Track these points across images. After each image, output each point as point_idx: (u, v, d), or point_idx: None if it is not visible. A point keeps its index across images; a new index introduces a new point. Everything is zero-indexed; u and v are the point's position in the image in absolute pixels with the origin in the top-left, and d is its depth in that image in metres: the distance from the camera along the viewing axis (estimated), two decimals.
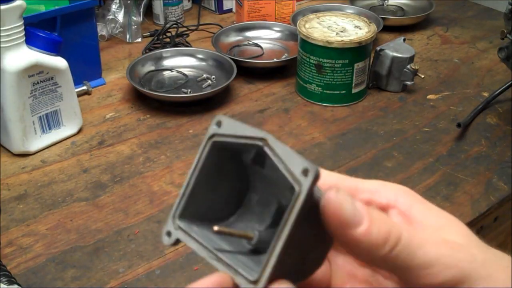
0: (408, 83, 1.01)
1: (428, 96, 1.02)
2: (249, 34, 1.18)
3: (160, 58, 1.06)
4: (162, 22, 1.25)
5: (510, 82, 0.97)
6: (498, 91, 0.98)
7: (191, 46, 1.16)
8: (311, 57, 0.96)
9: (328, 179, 0.34)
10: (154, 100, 0.98)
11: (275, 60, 1.08)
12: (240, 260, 0.31)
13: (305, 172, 0.28)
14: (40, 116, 0.85)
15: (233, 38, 1.17)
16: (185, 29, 1.23)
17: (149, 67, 1.05)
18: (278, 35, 1.17)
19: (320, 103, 0.99)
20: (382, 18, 1.19)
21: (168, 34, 1.20)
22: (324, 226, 0.30)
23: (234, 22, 1.26)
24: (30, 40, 0.81)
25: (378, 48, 1.00)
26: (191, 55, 1.08)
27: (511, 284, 0.31)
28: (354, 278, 0.36)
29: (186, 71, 1.05)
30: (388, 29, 1.22)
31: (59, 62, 0.83)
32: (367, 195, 0.34)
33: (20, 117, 0.82)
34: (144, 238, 0.71)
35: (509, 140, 0.90)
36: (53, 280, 0.65)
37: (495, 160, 0.86)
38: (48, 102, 0.85)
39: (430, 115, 0.97)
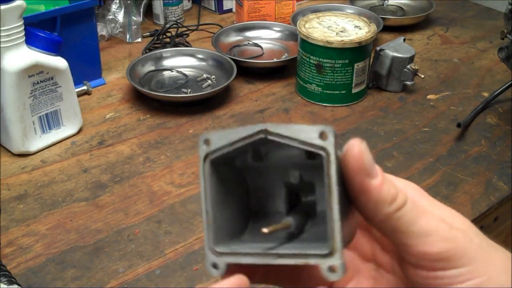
0: (408, 83, 1.01)
1: (428, 96, 1.02)
2: (249, 34, 1.18)
3: (160, 58, 1.06)
4: (162, 22, 1.25)
5: (510, 82, 0.97)
6: (498, 91, 0.98)
7: (191, 46, 1.16)
8: (311, 57, 0.96)
9: None
10: (154, 100, 0.98)
11: (275, 60, 1.08)
12: (294, 248, 0.31)
13: (322, 135, 0.29)
14: (40, 116, 0.85)
15: (233, 38, 1.17)
16: (185, 29, 1.23)
17: (149, 67, 1.05)
18: (278, 35, 1.17)
19: (320, 103, 0.99)
20: (382, 18, 1.19)
21: (168, 34, 1.20)
22: (347, 187, 0.31)
23: (234, 22, 1.26)
24: (30, 40, 0.81)
25: (378, 48, 1.00)
26: (191, 55, 1.08)
27: (510, 275, 0.32)
28: (359, 273, 0.36)
29: (186, 71, 1.05)
30: (388, 29, 1.22)
31: (59, 62, 0.83)
32: None
33: (20, 117, 0.82)
34: (144, 238, 0.71)
35: (509, 140, 0.90)
36: (53, 280, 0.65)
37: (495, 160, 0.86)
38: (48, 102, 0.85)
39: (430, 115, 0.97)
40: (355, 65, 0.95)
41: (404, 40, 1.04)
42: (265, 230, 0.30)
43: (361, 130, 0.93)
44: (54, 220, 0.73)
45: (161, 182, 0.80)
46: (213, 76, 1.03)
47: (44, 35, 0.82)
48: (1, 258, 0.66)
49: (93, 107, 0.97)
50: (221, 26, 1.22)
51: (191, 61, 1.07)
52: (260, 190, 0.35)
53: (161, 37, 1.18)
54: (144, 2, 1.24)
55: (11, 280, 0.61)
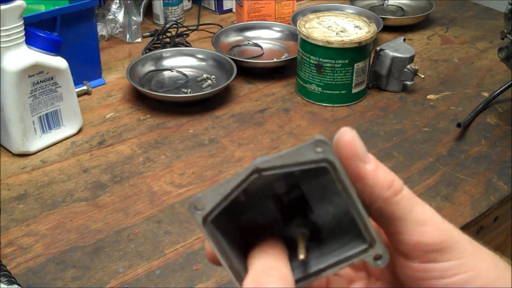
0: (408, 83, 1.01)
1: (428, 96, 1.02)
2: (249, 34, 1.18)
3: (160, 58, 1.06)
4: (162, 22, 1.25)
5: (510, 82, 0.97)
6: (498, 91, 0.98)
7: (191, 46, 1.16)
8: (311, 57, 0.96)
9: None
10: (154, 100, 0.98)
11: (275, 60, 1.08)
12: (323, 256, 0.32)
13: (318, 145, 0.29)
14: (40, 116, 0.85)
15: (233, 38, 1.17)
16: (185, 29, 1.23)
17: (149, 67, 1.05)
18: (278, 35, 1.17)
19: (320, 103, 0.99)
20: (382, 18, 1.19)
21: (168, 34, 1.20)
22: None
23: (234, 22, 1.26)
24: (30, 40, 0.81)
25: (378, 48, 1.00)
26: (191, 55, 1.08)
27: (499, 272, 0.32)
28: (352, 283, 0.37)
29: (186, 71, 1.05)
30: (388, 29, 1.22)
31: (59, 62, 0.83)
32: None
33: (20, 117, 0.82)
34: (144, 238, 0.71)
35: (509, 140, 0.90)
36: (53, 280, 0.65)
37: (495, 160, 0.86)
38: (48, 102, 0.85)
39: (430, 115, 0.97)
40: (355, 65, 0.95)
41: (404, 40, 1.04)
42: (302, 256, 0.31)
43: (361, 130, 0.93)
44: (54, 220, 0.73)
45: (161, 182, 0.80)
46: (213, 76, 1.03)
47: (44, 35, 0.82)
48: (1, 258, 0.66)
49: (93, 107, 0.97)
50: (221, 26, 1.22)
51: (191, 61, 1.07)
52: (250, 213, 0.34)
53: (161, 37, 1.18)
54: (144, 2, 1.24)
55: (11, 280, 0.61)
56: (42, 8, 0.90)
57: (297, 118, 0.95)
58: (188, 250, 0.69)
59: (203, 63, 1.07)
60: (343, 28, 0.98)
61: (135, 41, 1.19)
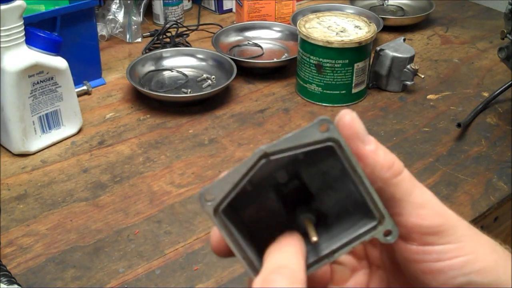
0: (408, 83, 1.01)
1: (428, 96, 1.02)
2: (249, 34, 1.18)
3: (160, 58, 1.06)
4: (162, 22, 1.25)
5: (510, 82, 0.97)
6: (498, 91, 0.98)
7: (191, 46, 1.16)
8: (311, 57, 0.96)
9: None
10: (154, 100, 0.98)
11: (275, 60, 1.08)
12: (340, 234, 0.32)
13: (323, 127, 0.30)
14: (40, 116, 0.85)
15: (233, 38, 1.17)
16: (185, 29, 1.23)
17: (149, 67, 1.05)
18: (278, 35, 1.17)
19: (320, 103, 0.99)
20: (382, 18, 1.19)
21: (168, 34, 1.20)
22: None
23: (234, 22, 1.26)
24: (30, 40, 0.81)
25: (378, 48, 1.00)
26: (191, 55, 1.08)
27: (496, 256, 0.32)
28: (355, 271, 0.37)
29: (186, 71, 1.05)
30: (388, 29, 1.22)
31: (59, 62, 0.83)
32: None
33: (20, 117, 0.82)
34: (144, 238, 0.71)
35: (509, 140, 0.90)
36: (53, 280, 0.65)
37: (495, 160, 0.86)
38: (48, 102, 0.85)
39: (430, 115, 0.97)
40: (355, 65, 0.95)
41: (404, 40, 1.04)
42: (314, 239, 0.31)
43: None
44: (54, 220, 0.73)
45: (161, 182, 0.80)
46: (213, 76, 1.03)
47: (44, 35, 0.82)
48: (1, 258, 0.66)
49: (93, 107, 0.97)
50: (221, 26, 1.22)
51: (191, 61, 1.07)
52: (255, 206, 0.35)
53: (161, 37, 1.18)
54: (144, 2, 1.24)
55: (11, 280, 0.61)
56: (42, 8, 0.90)
57: (297, 118, 0.95)
58: (188, 250, 0.69)
59: (203, 63, 1.07)
60: (343, 28, 0.98)
61: (135, 41, 1.19)
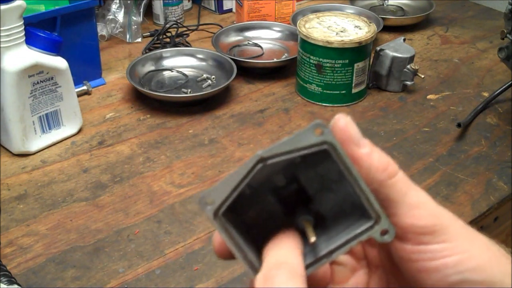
0: (408, 83, 1.01)
1: (428, 96, 1.02)
2: (249, 34, 1.18)
3: (160, 58, 1.06)
4: (162, 22, 1.25)
5: (510, 82, 0.97)
6: (498, 91, 0.98)
7: (191, 46, 1.16)
8: (311, 57, 0.96)
9: None
10: (154, 100, 0.98)
11: (275, 60, 1.08)
12: (338, 235, 0.33)
13: (318, 130, 0.30)
14: (40, 116, 0.85)
15: (233, 38, 1.17)
16: (185, 29, 1.23)
17: (149, 67, 1.05)
18: (278, 35, 1.17)
19: (320, 103, 0.99)
20: (382, 18, 1.19)
21: (168, 34, 1.20)
22: None
23: (234, 22, 1.26)
24: (30, 40, 0.81)
25: (378, 48, 1.00)
26: (191, 55, 1.08)
27: (490, 255, 0.33)
28: (354, 271, 0.38)
29: (186, 71, 1.05)
30: (388, 29, 1.22)
31: (59, 62, 0.83)
32: None
33: (20, 117, 0.82)
34: (144, 238, 0.71)
35: (509, 140, 0.90)
36: (53, 280, 0.65)
37: (495, 160, 0.86)
38: (48, 102, 0.85)
39: (430, 115, 0.97)
40: (355, 65, 0.95)
41: (404, 40, 1.04)
42: (312, 239, 0.31)
43: (361, 130, 0.91)
44: (54, 220, 0.73)
45: (161, 182, 0.80)
46: (213, 76, 1.03)
47: (44, 35, 0.82)
48: (1, 258, 0.66)
49: (93, 107, 0.97)
50: (221, 26, 1.22)
51: (191, 61, 1.07)
52: (254, 209, 0.35)
53: (161, 37, 1.18)
54: (144, 2, 1.24)
55: (11, 280, 0.61)
56: (42, 8, 0.90)
57: (297, 118, 0.95)
58: (188, 250, 0.69)
59: (203, 63, 1.07)
60: (343, 28, 0.98)
61: (135, 41, 1.19)
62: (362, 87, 1.00)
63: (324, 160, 0.32)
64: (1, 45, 0.78)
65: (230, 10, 1.34)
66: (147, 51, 1.13)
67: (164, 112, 0.96)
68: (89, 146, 0.88)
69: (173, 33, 1.20)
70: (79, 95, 0.96)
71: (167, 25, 1.20)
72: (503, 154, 0.87)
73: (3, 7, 0.76)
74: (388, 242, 0.32)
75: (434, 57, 1.16)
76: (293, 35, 1.14)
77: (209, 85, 1.02)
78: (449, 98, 1.02)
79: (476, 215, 0.75)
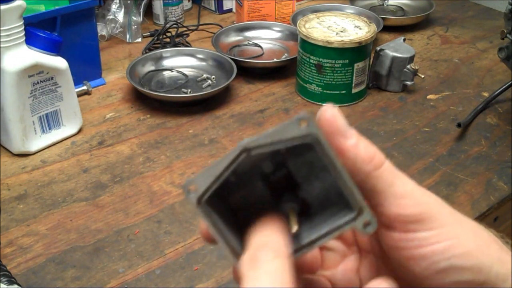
0: (408, 83, 1.01)
1: (428, 96, 1.02)
2: (249, 34, 1.18)
3: (160, 58, 1.06)
4: (162, 22, 1.25)
5: (510, 82, 0.97)
6: (498, 91, 0.98)
7: (191, 46, 1.16)
8: (311, 57, 0.96)
9: None
10: (154, 100, 0.98)
11: (275, 60, 1.08)
12: (322, 224, 0.33)
13: (303, 123, 0.30)
14: (40, 116, 0.85)
15: (233, 38, 1.17)
16: (185, 29, 1.23)
17: (149, 67, 1.05)
18: (278, 35, 1.17)
19: (320, 103, 0.99)
20: (382, 18, 1.19)
21: (168, 34, 1.20)
22: None
23: (234, 22, 1.26)
24: (30, 40, 0.81)
25: (378, 48, 1.00)
26: (191, 55, 1.08)
27: (478, 240, 0.33)
28: (345, 257, 0.38)
29: (186, 71, 1.05)
30: (388, 29, 1.22)
31: (59, 62, 0.83)
32: None
33: (20, 117, 0.82)
34: (144, 238, 0.71)
35: (509, 140, 0.90)
36: (53, 280, 0.65)
37: (495, 160, 0.86)
38: (48, 102, 0.85)
39: (430, 115, 0.97)
40: (355, 65, 0.95)
41: (404, 40, 1.04)
42: (294, 229, 0.32)
43: (361, 130, 0.92)
44: (54, 220, 0.73)
45: (161, 182, 0.80)
46: (213, 76, 1.03)
47: (44, 35, 0.82)
48: (1, 258, 0.66)
49: (93, 107, 0.97)
50: (221, 26, 1.22)
51: (191, 61, 1.07)
52: (241, 193, 0.35)
53: (161, 37, 1.18)
54: (144, 2, 1.24)
55: (11, 280, 0.61)
56: (42, 8, 0.90)
57: None
58: (188, 250, 0.69)
59: (203, 63, 1.07)
60: (343, 28, 0.98)
61: (135, 41, 1.19)
62: (362, 87, 1.00)
63: (311, 149, 0.32)
64: (1, 45, 0.78)
65: (230, 10, 1.34)
66: (147, 51, 1.13)
67: (164, 112, 0.96)
68: (89, 146, 0.88)
69: (173, 33, 1.20)
70: (79, 95, 0.96)
71: (167, 25, 1.20)
72: (503, 154, 0.87)
73: (3, 7, 0.76)
74: (370, 234, 0.32)
75: (434, 57, 1.16)
76: (293, 35, 1.14)
77: (209, 85, 1.02)
78: (449, 98, 1.02)
79: (476, 215, 0.75)
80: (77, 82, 0.92)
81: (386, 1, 1.34)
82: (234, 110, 0.97)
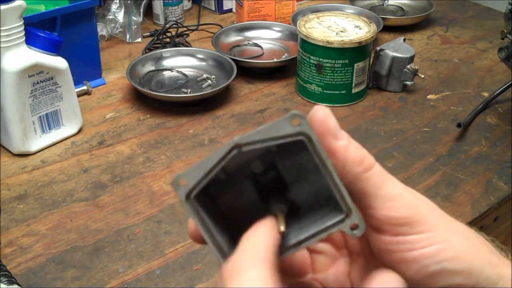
0: (408, 83, 1.01)
1: (428, 96, 1.02)
2: (249, 34, 1.18)
3: (160, 58, 1.06)
4: (162, 22, 1.25)
5: (510, 82, 0.97)
6: (498, 91, 0.98)
7: (191, 46, 1.16)
8: (311, 57, 0.96)
9: None
10: (154, 100, 0.98)
11: (275, 60, 1.08)
12: (311, 225, 0.33)
13: (295, 121, 0.30)
14: (40, 116, 0.85)
15: (233, 38, 1.17)
16: (185, 29, 1.23)
17: (149, 67, 1.05)
18: (278, 35, 1.17)
19: (320, 103, 0.99)
20: (382, 18, 1.19)
21: (168, 34, 1.20)
22: None
23: (234, 22, 1.26)
24: (30, 40, 0.81)
25: (378, 48, 1.00)
26: (191, 55, 1.08)
27: (469, 243, 0.33)
28: (336, 260, 0.38)
29: (186, 71, 1.05)
30: (388, 29, 1.22)
31: (59, 62, 0.83)
32: None
33: (20, 117, 0.82)
34: (144, 238, 0.71)
35: (509, 140, 0.90)
36: (53, 280, 0.65)
37: (495, 160, 0.86)
38: (48, 102, 0.85)
39: (430, 115, 0.97)
40: (355, 65, 0.95)
41: (404, 40, 1.04)
42: (282, 229, 0.31)
43: (361, 130, 0.93)
44: (54, 220, 0.73)
45: (161, 182, 0.80)
46: (213, 76, 1.03)
47: (44, 35, 0.82)
48: (1, 258, 0.66)
49: (93, 107, 0.97)
50: (221, 26, 1.22)
51: (191, 61, 1.07)
52: (230, 194, 0.35)
53: (161, 37, 1.18)
54: (144, 2, 1.24)
55: (11, 280, 0.61)
56: (42, 8, 0.90)
57: None
58: (188, 250, 0.69)
59: (203, 63, 1.07)
60: (343, 28, 0.98)
61: (135, 41, 1.19)
62: (362, 87, 1.00)
63: (302, 151, 0.32)
64: (1, 45, 0.78)
65: (230, 10, 1.34)
66: (147, 51, 1.13)
67: (164, 112, 0.96)
68: (89, 146, 0.88)
69: (173, 33, 1.20)
70: (79, 95, 0.96)
71: (167, 25, 1.20)
72: (503, 154, 0.87)
73: (3, 7, 0.76)
74: (358, 236, 0.32)
75: (434, 57, 1.16)
76: (293, 35, 1.14)
77: (209, 85, 1.02)
78: (449, 98, 1.02)
79: (476, 215, 0.75)
80: (77, 82, 0.92)
81: (386, 1, 1.34)
82: (234, 110, 0.97)
